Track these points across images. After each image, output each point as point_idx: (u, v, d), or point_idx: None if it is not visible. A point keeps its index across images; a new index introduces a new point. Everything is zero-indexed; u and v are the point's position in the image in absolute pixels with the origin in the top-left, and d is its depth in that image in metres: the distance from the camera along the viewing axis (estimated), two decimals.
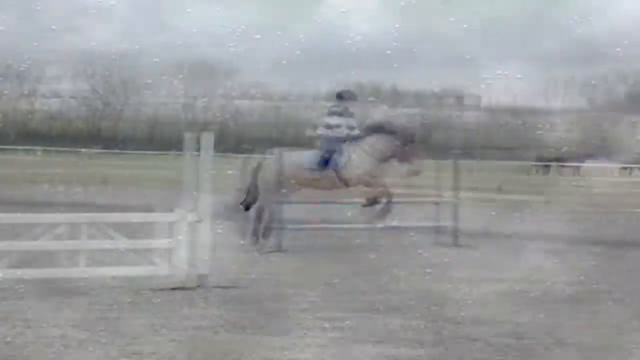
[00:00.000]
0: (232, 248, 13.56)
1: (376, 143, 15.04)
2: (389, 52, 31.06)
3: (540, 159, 37.08)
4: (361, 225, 15.54)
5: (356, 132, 15.18)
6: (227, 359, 7.22)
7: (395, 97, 46.85)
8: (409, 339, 7.98)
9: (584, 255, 14.27)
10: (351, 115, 15.30)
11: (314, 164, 15.02)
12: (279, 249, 14.28)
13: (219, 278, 10.61)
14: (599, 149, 41.14)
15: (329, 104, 15.78)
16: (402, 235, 15.50)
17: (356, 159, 14.96)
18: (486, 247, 14.84)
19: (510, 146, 42.06)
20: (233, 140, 40.75)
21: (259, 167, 15.32)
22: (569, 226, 18.11)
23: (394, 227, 15.74)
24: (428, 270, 12.22)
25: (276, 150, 15.61)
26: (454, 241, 15.33)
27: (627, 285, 11.30)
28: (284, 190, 15.07)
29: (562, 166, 35.61)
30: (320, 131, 15.34)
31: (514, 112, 47.22)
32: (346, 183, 15.08)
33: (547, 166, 35.24)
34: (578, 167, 35.06)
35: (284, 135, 44.33)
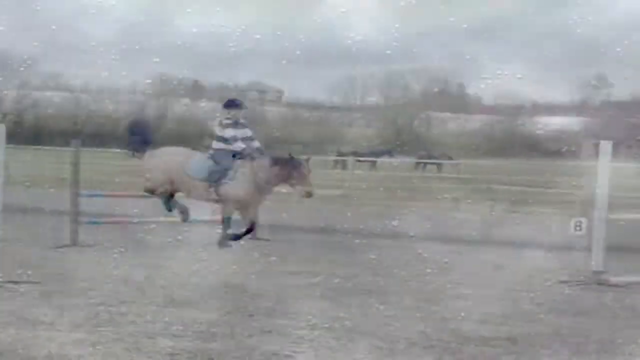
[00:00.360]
0: (26, 243, 13.23)
1: (264, 166, 14.35)
2: (389, 52, 30.88)
3: (339, 153, 37.81)
4: (166, 220, 15.47)
5: (256, 143, 14.50)
6: (16, 356, 7.06)
7: (197, 90, 46.70)
8: (203, 331, 8.02)
9: (374, 247, 14.67)
10: (245, 125, 14.56)
11: (199, 173, 14.40)
12: (75, 243, 14.02)
13: (12, 273, 10.34)
14: (396, 145, 42.25)
15: (218, 115, 14.85)
16: (205, 230, 15.51)
17: (239, 180, 14.33)
18: (283, 240, 15.03)
19: (311, 141, 42.68)
20: (31, 132, 39.64)
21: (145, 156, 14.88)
22: (364, 219, 18.57)
23: (198, 222, 15.76)
24: (227, 263, 12.29)
25: (161, 148, 15.13)
26: (253, 234, 15.47)
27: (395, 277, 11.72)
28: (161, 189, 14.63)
29: (359, 161, 36.43)
30: (217, 145, 14.50)
31: (315, 107, 47.97)
32: (219, 200, 14.50)
33: (345, 161, 35.96)
34: (374, 162, 35.92)
35: (84, 128, 43.45)
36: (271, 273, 11.72)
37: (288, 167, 14.32)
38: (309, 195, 14.30)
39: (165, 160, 14.60)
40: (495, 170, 29.98)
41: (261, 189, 14.41)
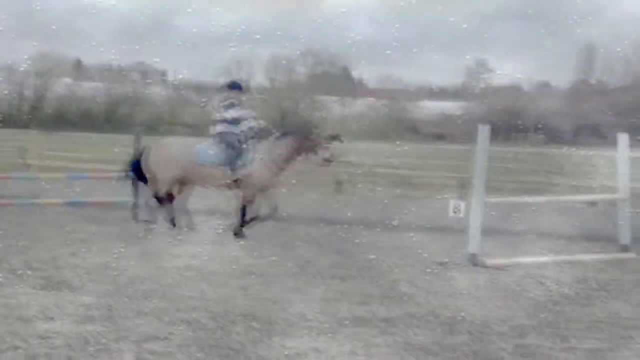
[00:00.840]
0: None
1: (281, 145, 13.88)
2: (389, 52, 30.49)
3: None
4: (42, 201, 15.24)
5: (262, 122, 14.02)
6: None
7: (78, 70, 45.90)
8: (79, 314, 7.93)
9: (257, 229, 14.68)
10: (245, 107, 13.98)
11: (208, 160, 13.83)
12: None
13: None
14: (280, 126, 42.23)
15: (220, 97, 14.09)
16: (84, 211, 15.34)
17: (260, 162, 13.79)
18: (164, 222, 14.92)
19: (194, 122, 42.40)
20: None
21: (143, 154, 14.23)
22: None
23: (76, 203, 15.60)
24: (104, 245, 12.15)
25: (164, 139, 14.60)
26: (134, 216, 15.34)
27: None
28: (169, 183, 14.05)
29: None
30: (221, 127, 13.88)
31: (200, 88, 47.61)
32: (238, 186, 13.90)
33: None
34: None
35: None
36: (152, 256, 11.63)
37: (301, 139, 13.97)
38: (329, 162, 13.91)
39: (172, 152, 14.05)
40: (379, 153, 30.26)
41: (281, 168, 14.02)
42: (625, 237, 13.00)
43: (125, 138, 17.33)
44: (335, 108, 48.00)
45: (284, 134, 14.15)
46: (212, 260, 11.41)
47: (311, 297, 9.17)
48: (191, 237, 13.49)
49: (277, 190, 14.29)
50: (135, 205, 15.37)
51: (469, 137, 13.10)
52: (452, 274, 11.02)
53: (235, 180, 13.92)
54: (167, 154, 14.14)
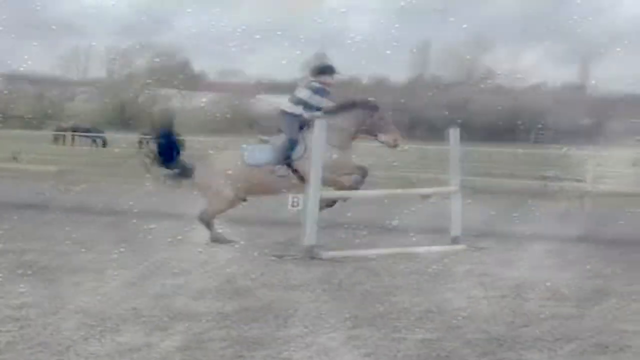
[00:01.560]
0: None
1: (336, 126, 12.61)
2: (388, 52, 29.53)
3: (59, 128, 36.85)
4: None
5: (318, 113, 12.65)
6: None
7: None
8: None
9: (90, 224, 14.50)
10: (328, 93, 12.80)
11: (261, 159, 12.75)
12: None
13: None
14: (120, 120, 41.67)
15: (308, 79, 12.95)
16: None
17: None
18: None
19: (29, 115, 41.38)
20: None
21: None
22: (83, 195, 18.27)
23: None
24: None
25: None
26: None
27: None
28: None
29: (80, 136, 35.65)
30: (289, 108, 12.82)
31: (35, 80, 46.51)
32: (302, 179, 12.66)
33: (65, 136, 35.14)
34: (95, 138, 35.28)
35: None
36: None
37: (364, 116, 12.75)
38: (396, 144, 12.44)
39: (222, 162, 13.00)
40: (216, 146, 30.16)
41: (342, 150, 12.77)
42: (456, 229, 13.35)
43: None
44: (174, 101, 47.64)
45: (347, 106, 12.97)
46: (45, 255, 11.18)
47: (146, 292, 9.08)
48: (24, 233, 13.18)
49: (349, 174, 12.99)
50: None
51: None
52: (288, 267, 11.09)
53: (296, 176, 12.85)
54: (218, 166, 13.02)
